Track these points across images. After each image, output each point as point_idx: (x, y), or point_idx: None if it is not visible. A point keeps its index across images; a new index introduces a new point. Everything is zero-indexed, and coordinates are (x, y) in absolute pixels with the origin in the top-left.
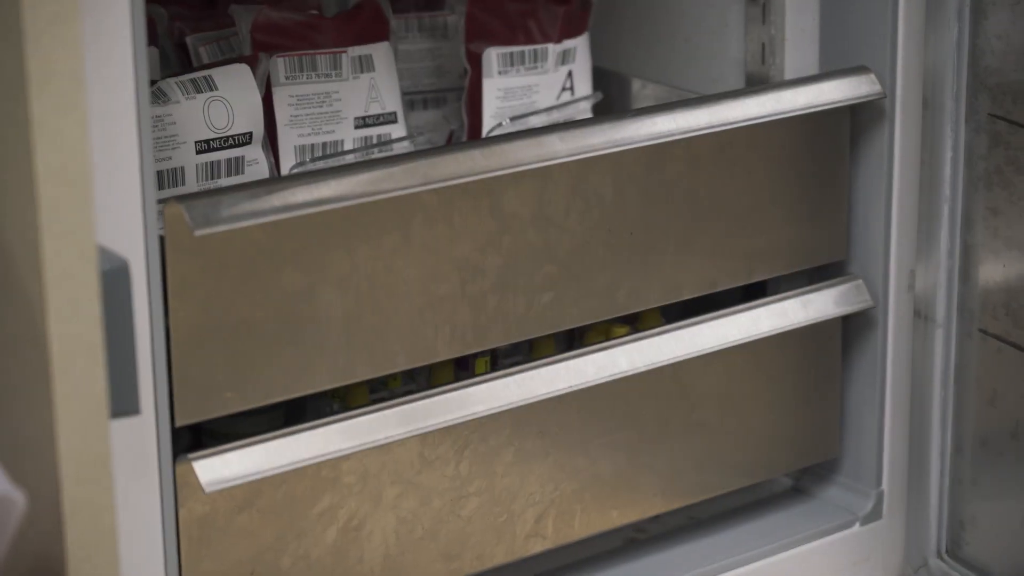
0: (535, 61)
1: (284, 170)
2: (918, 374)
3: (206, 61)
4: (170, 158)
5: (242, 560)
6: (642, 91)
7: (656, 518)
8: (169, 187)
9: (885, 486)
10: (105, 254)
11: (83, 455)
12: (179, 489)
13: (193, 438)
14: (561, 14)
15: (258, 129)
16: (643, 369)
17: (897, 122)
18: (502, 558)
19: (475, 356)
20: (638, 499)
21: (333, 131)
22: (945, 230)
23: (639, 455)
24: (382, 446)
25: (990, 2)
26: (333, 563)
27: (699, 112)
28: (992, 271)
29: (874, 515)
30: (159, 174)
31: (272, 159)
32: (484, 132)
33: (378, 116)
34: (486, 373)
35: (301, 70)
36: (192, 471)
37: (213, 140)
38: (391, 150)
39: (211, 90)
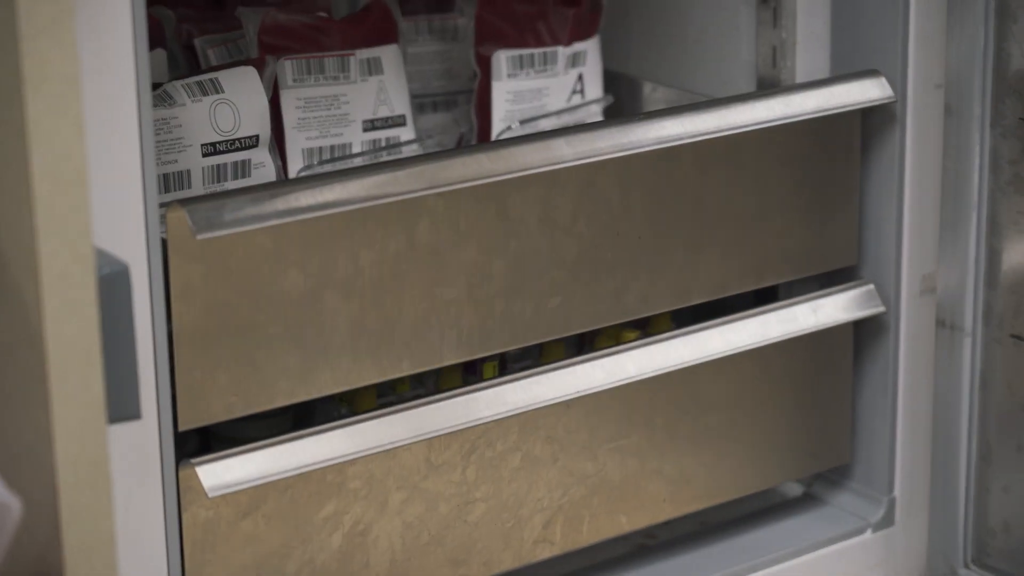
0: (545, 64)
1: (292, 173)
2: (942, 382)
3: (214, 63)
4: (176, 161)
5: (246, 566)
6: (653, 94)
7: (666, 524)
8: (175, 190)
9: (897, 492)
10: (105, 257)
11: (81, 460)
12: (182, 494)
13: (201, 442)
14: (571, 17)
15: (265, 132)
16: (652, 374)
17: (909, 126)
18: (509, 564)
19: (483, 361)
20: (647, 505)
21: (341, 134)
22: (972, 237)
23: (648, 460)
24: (388, 451)
25: (1017, 5)
26: (339, 568)
27: (707, 116)
28: (1022, 275)
29: (886, 522)
30: (165, 177)
31: (279, 162)
32: (493, 135)
33: (387, 119)
34: (494, 378)
35: (309, 73)
36: (195, 476)
37: (219, 143)
38: (400, 153)
39: (217, 93)
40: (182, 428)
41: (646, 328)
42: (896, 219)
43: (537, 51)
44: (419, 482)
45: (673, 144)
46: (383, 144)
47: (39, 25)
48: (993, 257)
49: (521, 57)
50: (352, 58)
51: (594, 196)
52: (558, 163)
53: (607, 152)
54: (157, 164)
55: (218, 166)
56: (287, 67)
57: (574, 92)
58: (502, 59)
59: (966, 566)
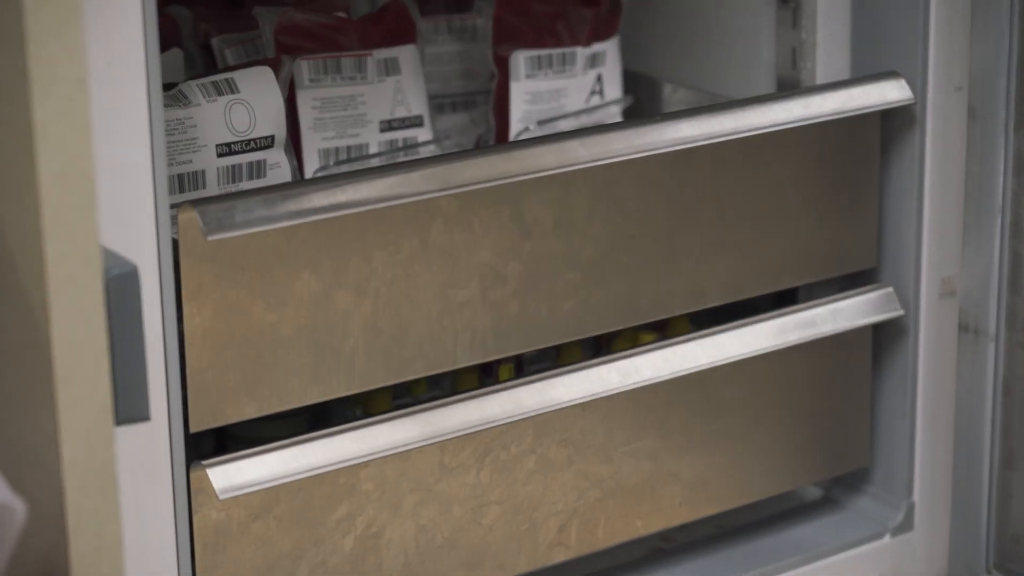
0: (563, 64)
1: (308, 174)
2: (964, 386)
3: (231, 63)
4: (191, 161)
5: (258, 568)
6: (673, 95)
7: (683, 527)
8: (190, 190)
9: (917, 497)
10: (114, 259)
11: (87, 463)
12: (193, 496)
13: (218, 442)
14: (590, 17)
15: (280, 132)
16: (668, 377)
17: (929, 128)
18: (524, 567)
19: (499, 363)
20: (663, 508)
21: (358, 134)
22: (996, 240)
23: (664, 464)
24: (401, 453)
25: None
26: (351, 571)
27: (724, 117)
28: None
29: (905, 526)
30: (179, 177)
31: (295, 163)
32: (511, 136)
33: (404, 119)
34: (509, 380)
35: (325, 73)
36: (206, 477)
37: (234, 143)
38: (417, 154)
39: (233, 93)
40: (193, 429)
41: (664, 330)
42: (916, 222)
43: (555, 51)
44: (433, 485)
45: (690, 145)
46: (400, 145)
47: (46, 27)
48: (1017, 261)
49: (539, 57)
50: (369, 58)
51: (610, 198)
52: (573, 164)
53: (623, 154)
54: (172, 164)
55: (233, 166)
56: (304, 67)
57: (593, 93)
58: (520, 59)
59: (988, 572)
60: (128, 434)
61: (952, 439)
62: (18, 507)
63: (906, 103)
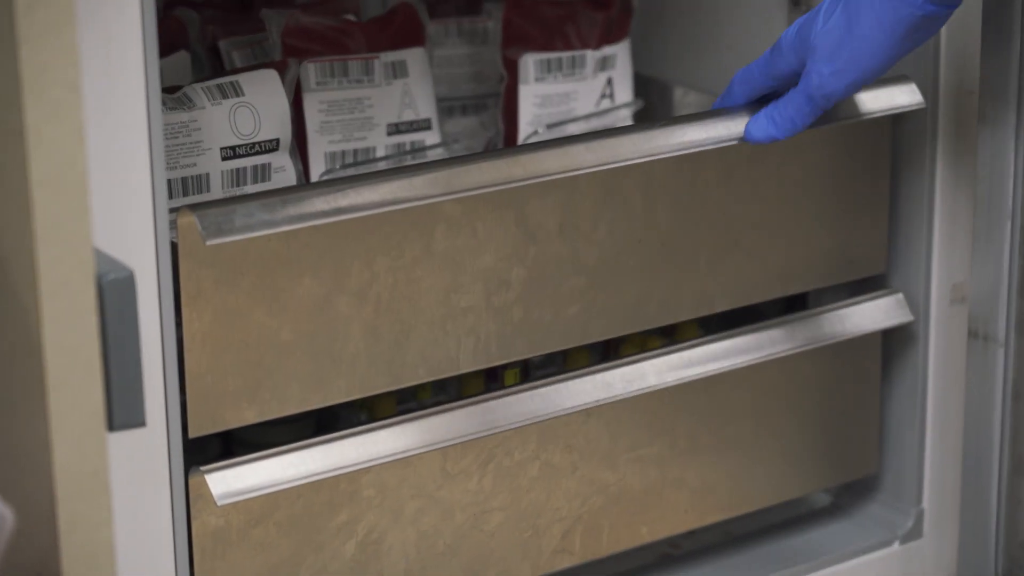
0: (573, 67)
1: (314, 177)
2: (974, 392)
3: (239, 66)
4: (195, 164)
5: (258, 574)
6: (684, 99)
7: (691, 533)
8: (194, 194)
9: (926, 504)
10: (111, 263)
11: (80, 469)
12: (192, 502)
13: (223, 446)
14: (600, 20)
15: (285, 136)
16: (673, 383)
17: (940, 132)
18: (527, 574)
19: (504, 368)
20: (668, 515)
21: (365, 138)
22: (1007, 246)
23: (670, 470)
24: (402, 459)
25: None
26: None
27: (732, 122)
28: None
29: (914, 534)
30: (183, 181)
31: (301, 166)
32: (520, 139)
33: (411, 123)
34: (513, 385)
35: (332, 75)
36: (205, 483)
37: (239, 147)
38: (425, 157)
39: (237, 96)
40: (193, 435)
41: (672, 335)
42: (926, 227)
43: (565, 55)
44: (434, 491)
45: (697, 150)
46: (408, 148)
47: (39, 29)
48: None
49: (549, 61)
50: (376, 61)
51: (616, 202)
52: (579, 169)
53: (629, 158)
54: (175, 168)
55: (237, 170)
56: (310, 70)
57: (603, 96)
58: (529, 62)
59: None
60: (125, 440)
61: (961, 446)
62: (7, 515)
63: (916, 108)
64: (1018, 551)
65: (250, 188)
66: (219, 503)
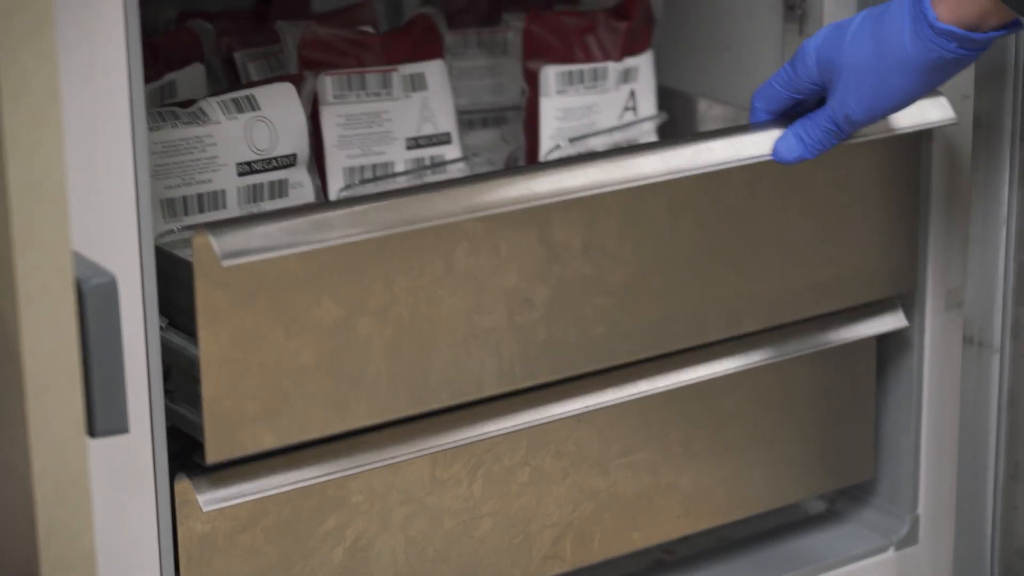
0: (595, 80)
1: (332, 193)
2: (969, 398)
3: (255, 78)
4: (210, 180)
5: None
6: (708, 111)
7: (685, 539)
8: (209, 211)
9: (921, 510)
10: (93, 268)
11: (59, 475)
12: (178, 508)
13: None
14: (622, 31)
15: (303, 151)
16: (664, 389)
17: (934, 137)
18: None
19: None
20: (661, 521)
21: (383, 152)
22: (1001, 252)
23: (662, 476)
24: (391, 465)
25: None
26: None
27: (758, 137)
28: None
29: (910, 540)
30: (199, 197)
31: (319, 182)
32: (542, 153)
33: (431, 137)
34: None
35: (350, 89)
36: (190, 489)
37: (255, 162)
38: (445, 172)
39: (253, 110)
40: (210, 461)
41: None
42: (921, 233)
43: (587, 67)
44: (423, 497)
45: (723, 167)
46: (427, 163)
47: (17, 35)
48: (1022, 272)
49: (570, 73)
50: (395, 74)
51: (641, 220)
52: (602, 187)
53: (654, 176)
54: (190, 184)
55: (254, 186)
56: (327, 83)
57: (626, 109)
58: (550, 75)
59: None
60: (109, 445)
61: (957, 451)
62: None
63: (948, 123)
64: (1014, 557)
65: (267, 205)
66: (205, 509)
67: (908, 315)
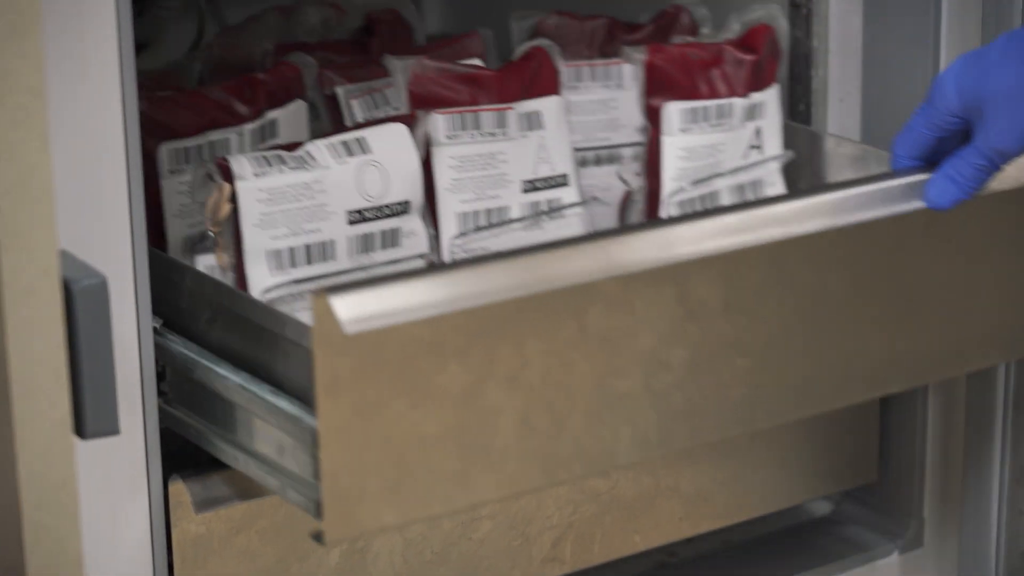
0: (720, 117)
1: (445, 240)
2: (975, 401)
3: (357, 114)
4: (319, 230)
5: None
6: (837, 149)
7: (687, 541)
8: (318, 262)
9: (927, 514)
10: (83, 269)
11: (46, 479)
12: (172, 510)
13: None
14: (748, 65)
15: (416, 197)
16: None
17: None
18: None
19: None
20: (662, 523)
21: (498, 196)
22: None
23: (663, 478)
24: None
25: None
26: None
27: (908, 187)
28: None
29: (914, 543)
30: (307, 248)
31: (432, 229)
32: (664, 195)
33: (548, 179)
34: None
35: (463, 128)
36: (185, 491)
37: (367, 210)
38: (562, 217)
39: (364, 153)
40: (330, 540)
41: None
42: None
43: (712, 103)
44: None
45: (871, 219)
46: (544, 207)
47: (1, 34)
48: None
49: (695, 110)
50: (510, 112)
51: (783, 275)
52: (743, 245)
53: (797, 230)
54: (299, 233)
55: (365, 235)
56: (439, 122)
57: (751, 147)
58: (674, 112)
59: None
60: (101, 447)
61: (962, 454)
62: None
63: None
64: (1019, 561)
65: (379, 255)
66: (199, 511)
67: None
